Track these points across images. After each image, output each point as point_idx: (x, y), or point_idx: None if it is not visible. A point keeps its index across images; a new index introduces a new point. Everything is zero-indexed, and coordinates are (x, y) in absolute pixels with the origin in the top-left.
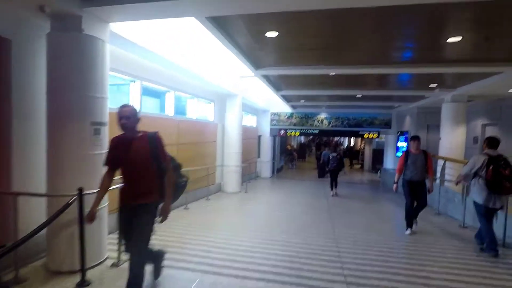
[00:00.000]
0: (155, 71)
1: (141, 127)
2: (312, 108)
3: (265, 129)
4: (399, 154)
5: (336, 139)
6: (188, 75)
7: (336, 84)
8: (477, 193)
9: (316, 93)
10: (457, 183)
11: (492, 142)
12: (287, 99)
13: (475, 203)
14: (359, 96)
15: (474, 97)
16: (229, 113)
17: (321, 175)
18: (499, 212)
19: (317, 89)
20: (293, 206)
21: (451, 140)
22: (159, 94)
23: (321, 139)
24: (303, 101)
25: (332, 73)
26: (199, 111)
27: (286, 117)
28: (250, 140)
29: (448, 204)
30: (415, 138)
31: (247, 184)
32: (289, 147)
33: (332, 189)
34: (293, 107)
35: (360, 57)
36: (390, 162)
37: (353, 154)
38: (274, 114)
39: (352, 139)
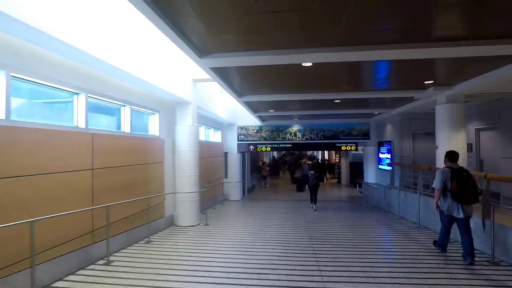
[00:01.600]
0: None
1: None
2: (283, 119)
3: (232, 145)
4: (383, 166)
5: (309, 153)
6: (114, 73)
7: (309, 83)
8: (445, 204)
9: (286, 98)
10: (437, 205)
11: (453, 156)
12: (252, 108)
13: (441, 212)
14: (337, 101)
15: (471, 97)
16: (180, 126)
17: (300, 189)
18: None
19: (287, 91)
20: (266, 241)
21: (451, 148)
22: (61, 98)
23: (294, 154)
24: (272, 110)
25: (306, 63)
26: (138, 123)
27: (255, 130)
28: (215, 158)
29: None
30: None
31: (211, 211)
32: (261, 163)
33: (311, 203)
34: (262, 119)
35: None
36: (371, 175)
37: (327, 168)
38: (242, 128)
39: (326, 153)
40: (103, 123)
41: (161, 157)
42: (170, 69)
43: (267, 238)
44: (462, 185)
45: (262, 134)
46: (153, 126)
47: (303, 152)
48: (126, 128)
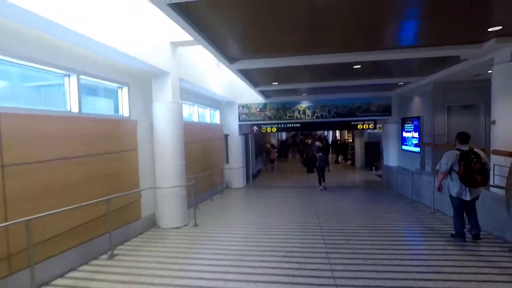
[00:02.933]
0: None
1: None
2: (290, 94)
3: (233, 126)
4: (408, 147)
5: (319, 133)
6: (47, 28)
7: (321, 43)
8: (452, 187)
9: (291, 62)
10: (439, 187)
11: (463, 137)
12: (252, 81)
13: (450, 196)
14: (356, 66)
15: None
16: (158, 103)
17: (310, 169)
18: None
19: (293, 52)
20: (267, 253)
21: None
22: None
23: (303, 135)
24: (276, 83)
25: None
26: (98, 100)
27: (258, 109)
28: (213, 141)
29: None
30: None
31: (207, 204)
32: (268, 145)
33: (320, 184)
34: (265, 95)
35: None
36: (393, 157)
37: (341, 148)
38: (243, 106)
39: (337, 132)
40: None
41: (133, 143)
42: (139, 27)
43: (271, 244)
44: (469, 168)
45: (267, 113)
46: (121, 104)
47: (313, 133)
48: (73, 106)
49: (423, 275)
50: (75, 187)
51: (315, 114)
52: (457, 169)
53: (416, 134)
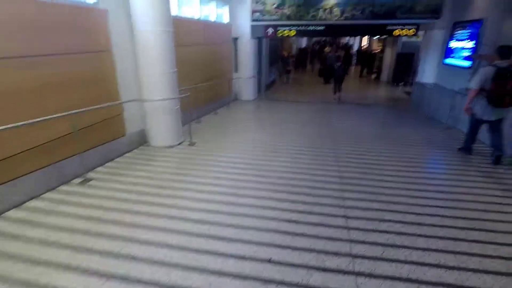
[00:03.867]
0: None
1: None
2: None
3: (244, 28)
4: (453, 60)
5: (345, 40)
6: None
7: None
8: (478, 107)
9: None
10: (468, 106)
11: (503, 52)
12: None
13: (472, 114)
14: None
15: None
16: None
17: (327, 80)
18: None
19: None
20: (275, 188)
21: None
22: None
23: (324, 42)
24: None
25: None
26: None
27: (275, 5)
28: (218, 46)
29: None
30: None
31: (209, 118)
32: (285, 53)
33: (335, 93)
34: None
35: None
36: (429, 73)
37: (367, 59)
38: (257, 1)
39: (367, 41)
40: None
41: (104, 41)
42: None
43: (272, 176)
44: (501, 87)
45: (285, 11)
46: None
47: (338, 40)
48: None
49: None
50: (26, 97)
51: (344, 14)
52: (488, 87)
53: (471, 44)
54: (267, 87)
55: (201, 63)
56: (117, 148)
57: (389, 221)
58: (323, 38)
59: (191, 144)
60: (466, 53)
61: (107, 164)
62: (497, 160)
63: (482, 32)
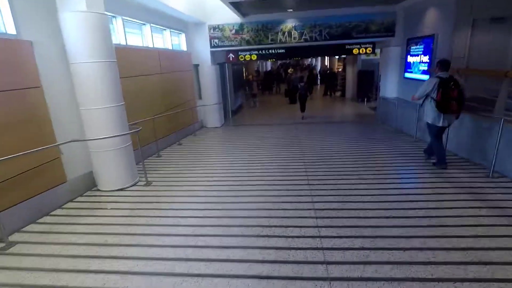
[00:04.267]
0: None
1: None
2: (273, 10)
3: (204, 54)
4: (412, 74)
5: (308, 62)
6: None
7: None
8: (428, 114)
9: None
10: (413, 98)
11: (444, 65)
12: None
13: (427, 123)
14: None
15: None
16: (67, 15)
17: (292, 100)
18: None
19: None
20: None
21: None
22: None
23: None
24: None
25: None
26: None
27: (233, 31)
28: (178, 73)
29: None
30: None
31: (172, 150)
32: (251, 77)
33: (302, 111)
34: (242, 12)
35: None
36: (392, 87)
37: (330, 78)
38: (214, 28)
39: (326, 59)
40: None
41: (31, 77)
42: None
43: (238, 217)
44: (447, 95)
45: (244, 36)
46: None
47: (302, 62)
48: None
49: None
50: None
51: (303, 36)
52: (435, 96)
53: (426, 58)
54: (234, 113)
55: (159, 93)
56: (56, 198)
57: (376, 263)
58: (288, 61)
59: (147, 184)
60: (424, 67)
61: (41, 220)
62: (437, 164)
63: (435, 47)
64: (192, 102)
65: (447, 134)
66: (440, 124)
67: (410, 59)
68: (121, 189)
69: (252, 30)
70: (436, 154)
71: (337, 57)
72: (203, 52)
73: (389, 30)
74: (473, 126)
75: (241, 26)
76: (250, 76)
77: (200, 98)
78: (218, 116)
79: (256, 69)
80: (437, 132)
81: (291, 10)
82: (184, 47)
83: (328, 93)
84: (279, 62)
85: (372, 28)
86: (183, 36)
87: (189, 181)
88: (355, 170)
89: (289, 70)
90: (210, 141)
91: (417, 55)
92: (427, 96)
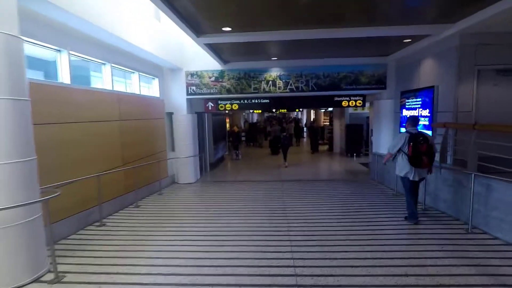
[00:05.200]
0: None
1: None
2: (256, 58)
3: (179, 102)
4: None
5: (294, 114)
6: None
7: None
8: (401, 168)
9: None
10: (385, 162)
11: (413, 121)
12: (214, 49)
13: (401, 178)
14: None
15: None
16: None
17: (274, 151)
18: (422, 182)
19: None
20: None
21: None
22: None
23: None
24: (229, 29)
25: None
26: None
27: (213, 78)
28: (147, 121)
29: None
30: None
31: (125, 214)
32: (236, 128)
33: (285, 160)
34: (223, 59)
35: None
36: (386, 142)
37: (316, 132)
38: (192, 74)
39: (311, 113)
40: None
41: None
42: None
43: None
44: (417, 149)
45: (224, 84)
46: None
47: (288, 115)
48: None
49: None
50: None
51: (289, 86)
52: (406, 151)
53: (425, 112)
54: (213, 165)
55: (116, 143)
56: None
57: None
58: (274, 113)
59: (55, 279)
60: (424, 122)
61: None
62: (409, 218)
63: (436, 100)
64: (163, 154)
65: (424, 187)
66: (412, 178)
67: (405, 113)
68: None
69: (234, 77)
70: (408, 207)
71: (322, 110)
72: (179, 99)
73: (380, 82)
74: (450, 179)
75: (221, 73)
76: (235, 127)
77: (173, 150)
78: (193, 170)
79: (244, 120)
80: (410, 186)
81: (276, 58)
82: (156, 93)
83: (317, 149)
84: (265, 114)
85: (362, 80)
86: (156, 81)
87: (129, 267)
88: (359, 258)
89: (273, 122)
90: (179, 202)
91: (414, 109)
92: (399, 150)
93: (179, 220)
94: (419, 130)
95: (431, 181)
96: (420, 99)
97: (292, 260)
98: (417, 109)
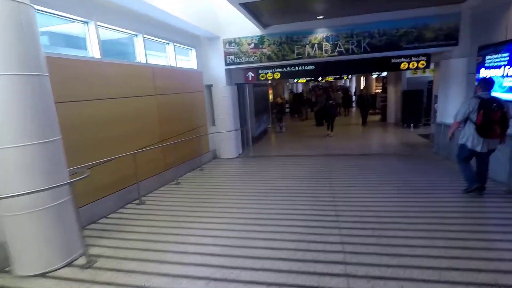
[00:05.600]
0: None
1: None
2: (299, 18)
3: (218, 73)
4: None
5: (342, 83)
6: None
7: None
8: (467, 137)
9: None
10: (450, 137)
11: (486, 84)
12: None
13: (462, 145)
14: None
15: None
16: None
17: (319, 122)
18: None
19: None
20: None
21: None
22: None
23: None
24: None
25: None
26: None
27: (252, 45)
28: (186, 95)
29: None
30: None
31: (166, 192)
32: (279, 100)
33: (331, 130)
34: (263, 22)
35: None
36: (453, 109)
37: (366, 100)
38: (230, 42)
39: (362, 80)
40: None
41: None
42: None
43: None
44: (488, 117)
45: (265, 51)
46: None
47: (334, 84)
48: None
49: None
50: None
51: (337, 49)
52: (474, 119)
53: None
54: (255, 140)
55: (151, 119)
56: None
57: None
58: (320, 82)
59: (87, 263)
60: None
61: None
62: (480, 191)
63: None
64: (203, 129)
65: (487, 163)
66: (479, 150)
67: (484, 73)
68: (44, 274)
69: (274, 43)
70: (467, 179)
71: (374, 76)
72: (217, 70)
73: (450, 37)
74: None
75: (261, 39)
76: (278, 99)
77: (214, 124)
78: (235, 145)
79: (289, 91)
80: (468, 156)
81: (322, 16)
82: (194, 65)
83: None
84: (310, 84)
85: (427, 36)
86: (193, 52)
87: (160, 253)
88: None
89: (318, 92)
90: (220, 178)
91: (498, 67)
92: (467, 118)
93: (217, 199)
94: (491, 95)
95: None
96: (507, 54)
97: (342, 254)
98: (503, 67)
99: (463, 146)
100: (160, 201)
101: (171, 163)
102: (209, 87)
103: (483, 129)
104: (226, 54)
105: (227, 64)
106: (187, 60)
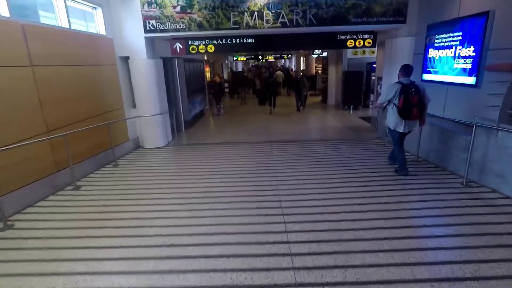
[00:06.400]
0: None
1: None
2: None
3: (136, 42)
4: (435, 76)
5: (282, 63)
6: None
7: None
8: (390, 120)
9: None
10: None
11: (406, 70)
12: None
13: (389, 129)
14: None
15: None
16: None
17: (262, 101)
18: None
19: None
20: None
21: None
22: None
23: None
24: None
25: None
26: None
27: (178, 8)
28: (86, 68)
29: None
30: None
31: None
32: (217, 78)
33: (273, 107)
34: None
35: None
36: None
37: (302, 84)
38: (150, 3)
39: (302, 61)
40: None
41: None
42: None
43: None
44: (408, 101)
45: (195, 16)
46: None
47: (274, 63)
48: None
49: None
50: None
51: (280, 19)
52: (397, 102)
53: (468, 50)
54: (189, 124)
55: (25, 100)
56: None
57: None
58: (260, 63)
59: None
60: (465, 64)
61: None
62: (407, 170)
63: (488, 31)
64: (118, 113)
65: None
66: (402, 130)
67: (433, 53)
68: None
69: (206, 7)
70: (399, 159)
71: (315, 56)
72: (134, 39)
73: (399, 14)
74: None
75: (189, 1)
76: (217, 77)
77: (134, 107)
78: (162, 131)
79: (229, 69)
80: (399, 138)
81: None
82: (102, 30)
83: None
84: (251, 64)
85: (376, 10)
86: (99, 12)
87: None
88: None
89: (262, 70)
90: (138, 176)
91: (449, 48)
92: (389, 102)
93: (129, 208)
94: (410, 80)
95: (479, 147)
96: (460, 33)
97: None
98: (454, 47)
99: (390, 130)
100: (39, 221)
101: (64, 162)
102: (125, 59)
103: (404, 112)
104: (146, 19)
105: (146, 31)
106: (91, 24)
